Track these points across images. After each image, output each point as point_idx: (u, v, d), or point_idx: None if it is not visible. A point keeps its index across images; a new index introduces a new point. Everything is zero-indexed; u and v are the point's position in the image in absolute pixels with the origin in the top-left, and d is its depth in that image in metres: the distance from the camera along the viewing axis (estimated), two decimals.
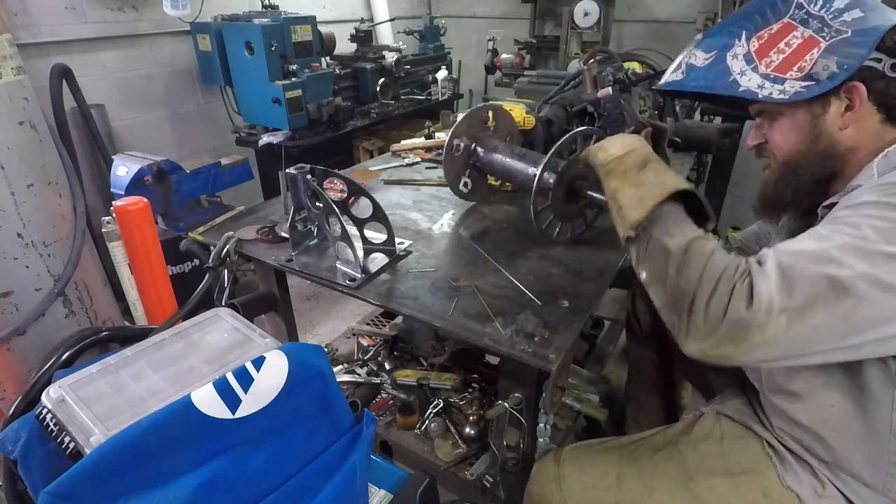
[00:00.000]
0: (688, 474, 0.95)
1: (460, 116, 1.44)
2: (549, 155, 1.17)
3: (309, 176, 1.15)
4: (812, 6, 0.85)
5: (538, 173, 1.19)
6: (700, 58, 0.94)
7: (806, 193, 0.91)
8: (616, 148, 0.96)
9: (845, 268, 0.68)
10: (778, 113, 0.90)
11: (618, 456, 1.03)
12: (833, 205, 0.85)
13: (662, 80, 1.01)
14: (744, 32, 0.90)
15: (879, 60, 0.80)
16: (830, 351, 0.72)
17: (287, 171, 1.16)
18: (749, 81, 0.87)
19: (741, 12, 0.92)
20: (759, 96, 0.86)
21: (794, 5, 0.86)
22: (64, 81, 2.36)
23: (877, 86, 0.82)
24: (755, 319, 0.68)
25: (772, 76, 0.86)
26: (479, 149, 1.46)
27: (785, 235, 1.05)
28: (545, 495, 1.03)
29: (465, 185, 1.51)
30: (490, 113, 1.48)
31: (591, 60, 1.68)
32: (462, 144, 1.44)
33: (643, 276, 0.86)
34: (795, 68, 0.84)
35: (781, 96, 0.84)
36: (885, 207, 0.71)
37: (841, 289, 0.67)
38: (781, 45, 0.86)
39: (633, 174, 0.92)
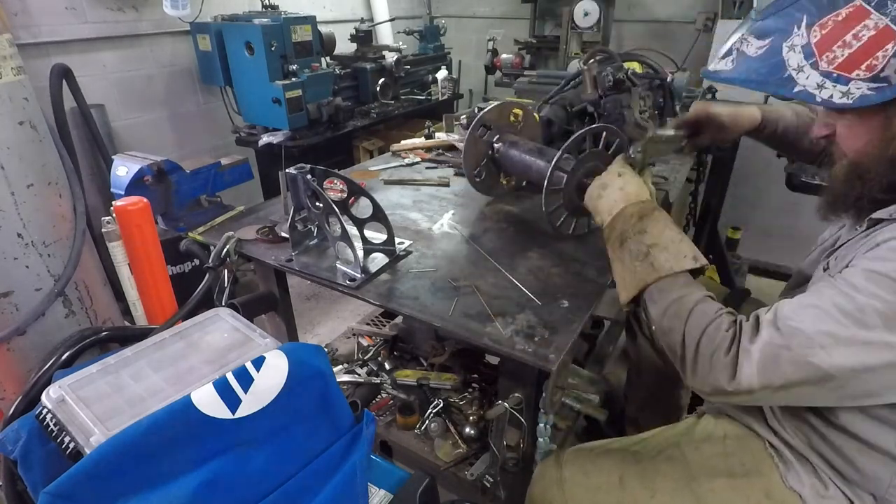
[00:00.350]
0: (690, 475, 0.95)
1: (490, 106, 1.46)
2: (561, 150, 1.18)
3: (309, 176, 1.15)
4: None
5: (550, 168, 1.19)
6: (753, 45, 0.82)
7: (870, 201, 0.82)
8: (605, 209, 1.01)
9: (835, 357, 0.68)
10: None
11: (620, 458, 1.03)
12: (880, 221, 0.79)
13: (711, 67, 0.90)
14: (805, 17, 0.76)
15: None
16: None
17: (287, 171, 1.16)
18: (807, 80, 0.75)
19: None
20: (817, 99, 0.74)
21: None
22: (64, 81, 2.36)
23: None
24: (738, 390, 0.73)
25: (834, 75, 0.72)
26: (500, 140, 1.46)
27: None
28: (547, 498, 1.03)
29: (479, 174, 1.51)
30: (521, 112, 1.49)
31: (591, 60, 1.68)
32: (487, 131, 1.44)
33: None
34: (864, 66, 0.71)
35: (844, 100, 0.72)
36: None
37: (826, 376, 0.68)
38: (848, 37, 0.71)
39: (615, 247, 0.96)
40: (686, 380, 0.80)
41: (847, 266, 0.76)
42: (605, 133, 1.22)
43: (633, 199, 0.98)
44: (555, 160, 1.19)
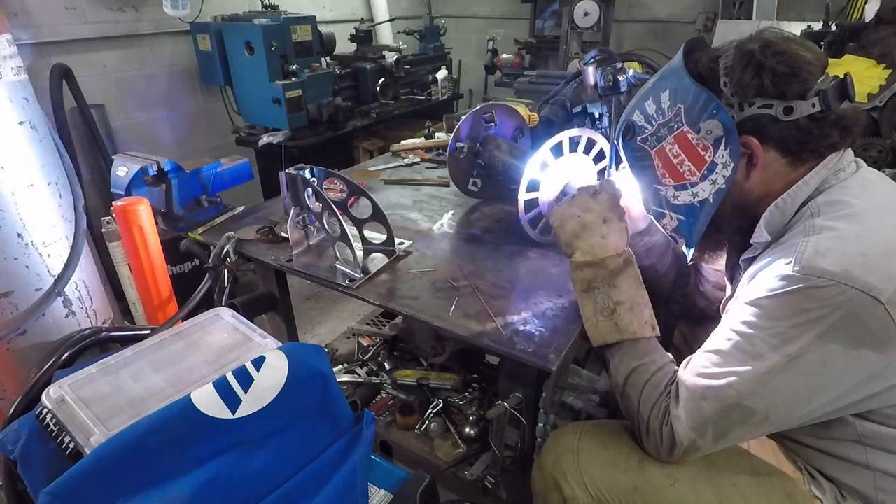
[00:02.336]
0: (713, 469, 0.92)
1: (463, 118, 1.44)
2: (534, 157, 1.16)
3: (309, 176, 1.15)
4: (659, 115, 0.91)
5: (525, 175, 1.18)
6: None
7: (731, 243, 0.96)
8: (580, 249, 0.99)
9: (745, 393, 0.76)
10: None
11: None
12: (752, 259, 0.88)
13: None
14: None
15: (771, 106, 0.79)
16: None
17: (287, 171, 1.16)
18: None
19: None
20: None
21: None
22: (64, 81, 2.37)
23: (771, 133, 0.81)
24: (684, 451, 0.82)
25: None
26: (482, 149, 1.46)
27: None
28: (560, 465, 0.98)
29: (475, 184, 1.51)
30: (493, 111, 1.48)
31: (591, 60, 1.68)
32: (465, 147, 1.43)
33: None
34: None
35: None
36: (774, 319, 0.75)
37: (748, 412, 0.77)
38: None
39: (580, 290, 0.98)
40: (643, 445, 0.89)
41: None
42: (586, 138, 1.21)
43: (611, 252, 0.97)
44: (527, 167, 1.17)
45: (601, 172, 1.27)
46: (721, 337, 0.82)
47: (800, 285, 0.72)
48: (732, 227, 0.92)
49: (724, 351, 0.80)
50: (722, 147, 0.83)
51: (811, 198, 0.82)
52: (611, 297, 0.95)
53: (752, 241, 0.87)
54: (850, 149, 0.85)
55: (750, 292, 0.80)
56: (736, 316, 0.81)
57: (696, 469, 0.93)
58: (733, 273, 1.03)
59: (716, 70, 0.84)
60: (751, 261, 0.88)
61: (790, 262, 0.74)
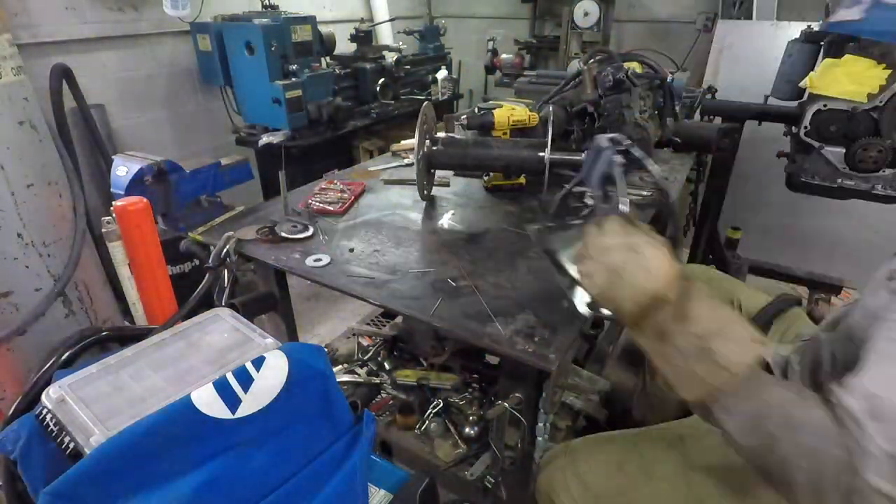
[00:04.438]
0: (689, 465, 0.94)
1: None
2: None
3: (619, 158, 0.88)
4: None
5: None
6: None
7: None
8: (628, 302, 0.74)
9: None
10: None
11: (622, 445, 1.03)
12: None
13: (834, 18, 0.79)
14: None
15: None
16: None
17: (597, 140, 0.90)
18: None
19: None
20: None
21: None
22: (64, 81, 2.36)
23: None
24: None
25: None
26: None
27: None
28: (553, 484, 1.03)
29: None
30: (425, 115, 1.40)
31: (591, 60, 1.68)
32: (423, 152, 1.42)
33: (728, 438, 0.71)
34: None
35: None
36: None
37: None
38: None
39: (653, 342, 0.74)
40: None
41: None
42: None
43: (664, 280, 0.72)
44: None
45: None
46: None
47: None
48: None
49: None
50: None
51: None
52: (689, 330, 0.71)
53: None
54: None
55: None
56: None
57: (672, 467, 0.95)
58: None
59: None
60: None
61: None
